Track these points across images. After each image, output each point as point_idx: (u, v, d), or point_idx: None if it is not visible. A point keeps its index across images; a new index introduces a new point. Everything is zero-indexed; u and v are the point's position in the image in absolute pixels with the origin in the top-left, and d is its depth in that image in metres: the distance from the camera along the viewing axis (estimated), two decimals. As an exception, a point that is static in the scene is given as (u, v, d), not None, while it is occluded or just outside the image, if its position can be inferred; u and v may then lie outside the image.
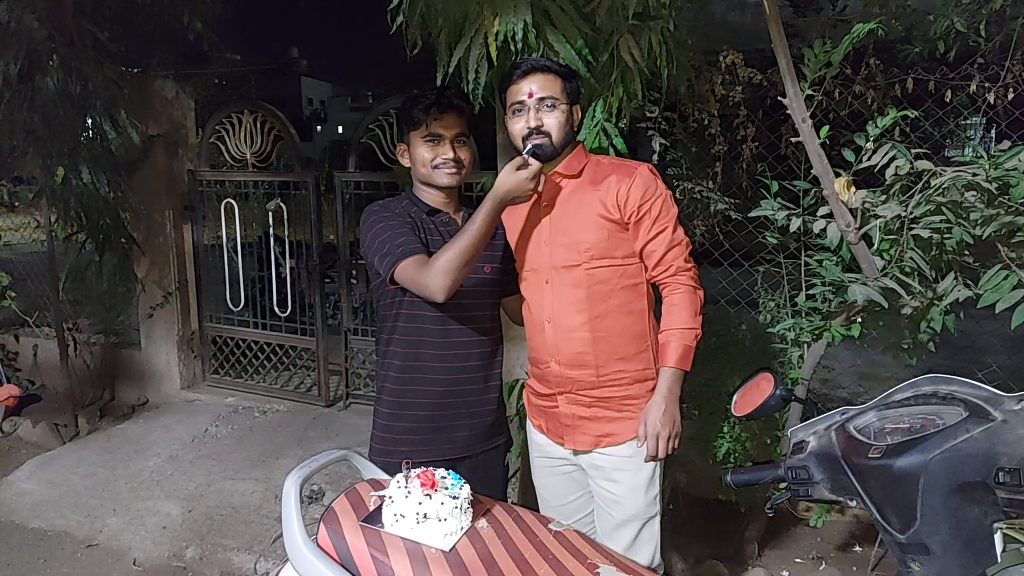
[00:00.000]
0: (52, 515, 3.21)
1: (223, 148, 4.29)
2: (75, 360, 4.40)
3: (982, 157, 1.92)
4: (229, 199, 4.36)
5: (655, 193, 1.74)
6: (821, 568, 2.73)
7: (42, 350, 4.79)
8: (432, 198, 1.88)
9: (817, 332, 2.41)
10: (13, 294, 4.30)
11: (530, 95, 1.72)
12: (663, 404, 1.72)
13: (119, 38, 3.71)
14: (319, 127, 32.68)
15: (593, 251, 1.74)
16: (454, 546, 1.29)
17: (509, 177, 1.66)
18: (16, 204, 5.35)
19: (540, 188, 1.78)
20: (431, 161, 1.81)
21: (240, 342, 4.51)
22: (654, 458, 1.73)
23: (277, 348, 4.44)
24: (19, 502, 3.34)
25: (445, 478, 1.36)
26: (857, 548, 2.84)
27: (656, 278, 1.78)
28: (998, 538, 1.04)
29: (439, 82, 2.41)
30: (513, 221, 1.89)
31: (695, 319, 1.75)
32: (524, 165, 1.67)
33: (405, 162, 1.91)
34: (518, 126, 1.75)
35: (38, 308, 4.84)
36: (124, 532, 3.05)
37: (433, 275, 1.63)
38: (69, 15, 3.37)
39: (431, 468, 1.37)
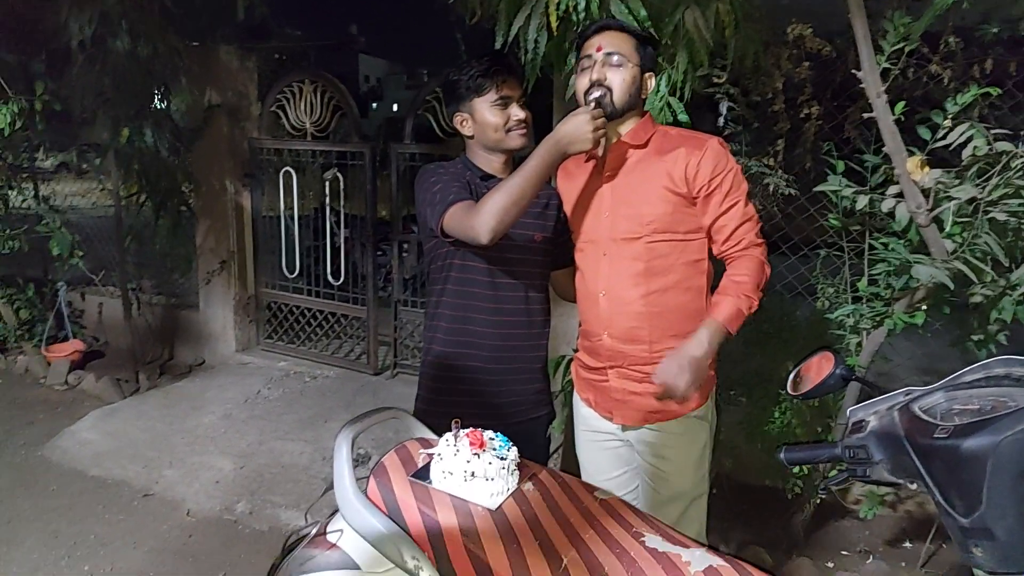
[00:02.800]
0: (111, 465, 3.35)
1: (283, 117, 4.37)
2: (137, 319, 4.56)
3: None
4: (287, 168, 4.44)
5: (726, 167, 1.68)
6: (868, 562, 2.66)
7: (107, 308, 4.98)
8: (488, 163, 1.87)
9: (878, 319, 2.33)
10: (81, 253, 4.47)
11: (598, 49, 1.68)
12: (695, 353, 1.61)
13: (184, 6, 3.79)
14: (375, 104, 32.94)
15: (656, 224, 1.69)
16: (500, 506, 1.29)
17: (571, 121, 1.60)
18: (85, 168, 5.56)
19: (602, 151, 1.75)
20: (504, 125, 1.80)
21: (294, 308, 4.61)
22: (657, 394, 1.66)
23: (329, 316, 4.52)
24: (81, 451, 3.49)
25: (493, 439, 1.37)
26: (907, 544, 2.77)
27: (725, 253, 1.72)
28: (1070, 527, 0.99)
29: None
30: (572, 189, 1.86)
31: (756, 291, 1.68)
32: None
33: (467, 131, 1.87)
34: (582, 81, 1.71)
35: (104, 268, 5.02)
36: (179, 484, 3.17)
37: (481, 216, 1.60)
38: (140, -20, 3.46)
39: (479, 429, 1.38)
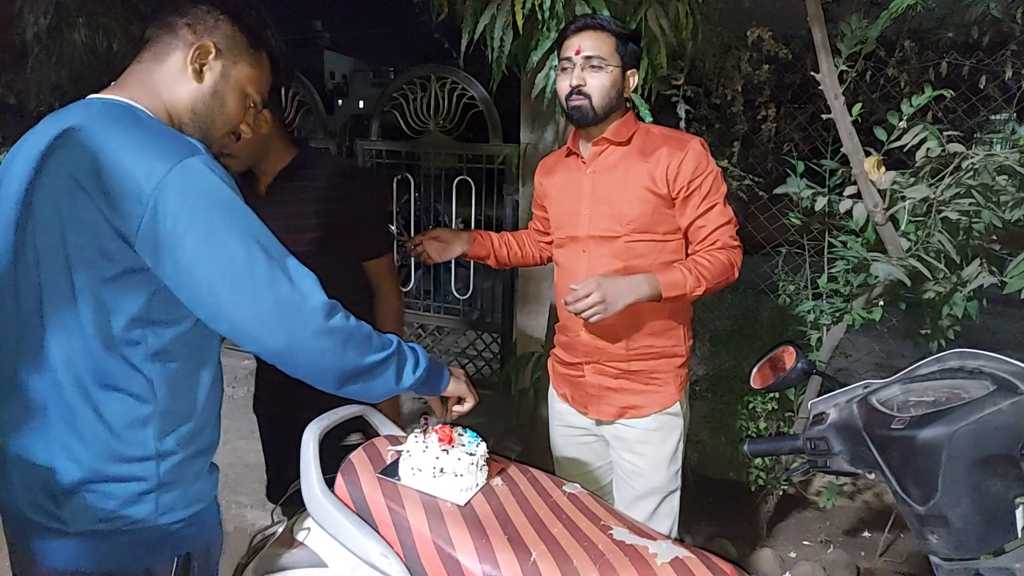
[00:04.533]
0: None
1: (247, 113, 4.29)
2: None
3: (1017, 138, 1.89)
4: (251, 165, 4.37)
5: (707, 169, 1.67)
6: (829, 551, 2.73)
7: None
8: None
9: (838, 315, 2.39)
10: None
11: (577, 52, 1.66)
12: (626, 284, 1.57)
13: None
14: (340, 101, 32.60)
15: (635, 224, 1.69)
16: (469, 501, 1.30)
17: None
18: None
19: (584, 156, 1.76)
20: None
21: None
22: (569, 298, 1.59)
23: (293, 315, 4.45)
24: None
25: (462, 435, 1.37)
26: (866, 533, 2.84)
27: (700, 253, 1.70)
28: (1019, 513, 1.03)
29: (463, 50, 2.41)
30: (553, 184, 1.85)
31: (709, 280, 1.63)
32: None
33: None
34: (562, 84, 1.70)
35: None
36: (139, 486, 3.10)
37: None
38: (99, -29, 3.38)
39: (447, 424, 1.38)
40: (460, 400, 1.38)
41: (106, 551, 1.05)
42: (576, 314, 1.58)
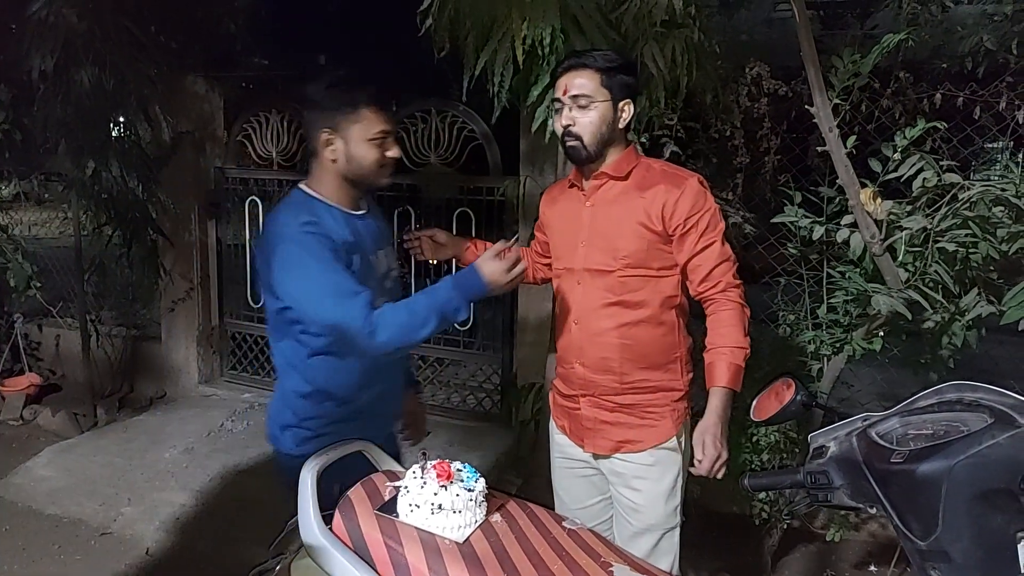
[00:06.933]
0: (68, 502, 3.24)
1: (249, 147, 4.34)
2: (96, 351, 4.44)
3: (1011, 173, 1.91)
4: (253, 197, 4.41)
5: (704, 206, 1.68)
6: (835, 586, 2.69)
7: (64, 340, 4.85)
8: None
9: (838, 345, 2.39)
10: (38, 284, 4.35)
11: (565, 92, 1.68)
12: (719, 425, 1.66)
13: (155, 35, 3.78)
14: (342, 133, 32.90)
15: (629, 259, 1.70)
16: (468, 538, 1.29)
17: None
18: (47, 197, 5.45)
19: (585, 189, 1.78)
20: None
21: (259, 339, 4.53)
22: (703, 473, 1.68)
23: (295, 346, 4.45)
24: (36, 488, 3.38)
25: (461, 471, 1.37)
26: (872, 568, 2.80)
27: (703, 295, 1.73)
28: (1022, 548, 1.02)
29: (465, 86, 2.44)
30: (554, 214, 1.88)
31: (745, 338, 1.69)
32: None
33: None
34: (556, 124, 1.74)
35: (62, 299, 4.90)
36: (138, 521, 3.07)
37: None
38: (107, 10, 3.43)
39: (447, 460, 1.37)
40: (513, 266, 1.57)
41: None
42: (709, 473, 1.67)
